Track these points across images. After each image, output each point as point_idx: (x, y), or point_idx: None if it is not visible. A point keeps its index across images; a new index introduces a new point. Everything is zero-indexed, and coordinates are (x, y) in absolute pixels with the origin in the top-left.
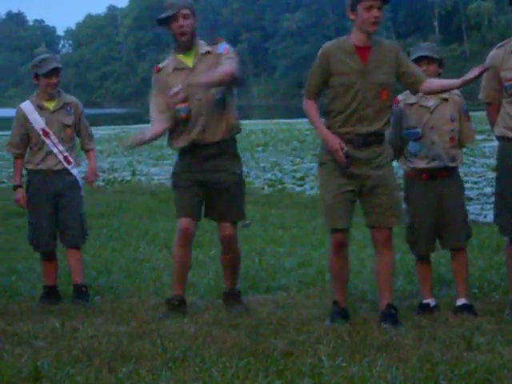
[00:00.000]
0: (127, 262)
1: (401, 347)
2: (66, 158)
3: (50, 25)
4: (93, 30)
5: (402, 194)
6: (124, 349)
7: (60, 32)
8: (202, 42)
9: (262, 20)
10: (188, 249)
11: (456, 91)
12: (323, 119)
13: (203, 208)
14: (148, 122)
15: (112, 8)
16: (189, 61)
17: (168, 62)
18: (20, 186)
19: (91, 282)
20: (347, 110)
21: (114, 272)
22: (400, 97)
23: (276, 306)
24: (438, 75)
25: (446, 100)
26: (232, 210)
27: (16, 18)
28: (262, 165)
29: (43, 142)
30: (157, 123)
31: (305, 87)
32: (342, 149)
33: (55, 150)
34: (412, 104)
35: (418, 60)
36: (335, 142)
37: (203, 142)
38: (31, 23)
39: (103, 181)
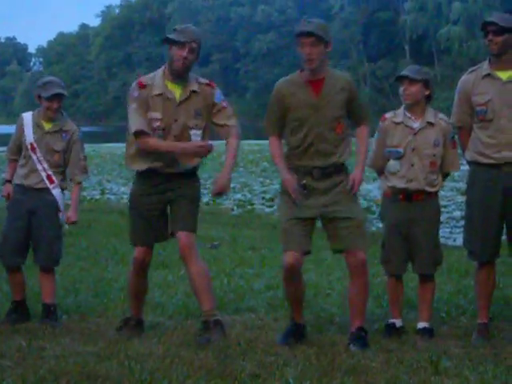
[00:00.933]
0: (95, 282)
1: (368, 370)
2: (49, 176)
3: (22, 42)
4: (64, 48)
5: (366, 218)
6: (91, 369)
7: (32, 49)
8: (191, 75)
9: (234, 41)
10: (144, 277)
11: (443, 117)
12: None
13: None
14: (120, 140)
15: (84, 26)
16: (177, 92)
17: (154, 83)
18: (9, 182)
19: (59, 301)
20: (303, 144)
21: (82, 291)
22: (387, 115)
23: (244, 327)
24: (427, 97)
25: (432, 124)
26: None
27: None
28: (231, 185)
29: (30, 157)
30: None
31: (265, 125)
32: (302, 184)
33: (39, 167)
34: (398, 123)
35: (399, 80)
36: (290, 184)
37: (166, 172)
38: (2, 40)
39: None
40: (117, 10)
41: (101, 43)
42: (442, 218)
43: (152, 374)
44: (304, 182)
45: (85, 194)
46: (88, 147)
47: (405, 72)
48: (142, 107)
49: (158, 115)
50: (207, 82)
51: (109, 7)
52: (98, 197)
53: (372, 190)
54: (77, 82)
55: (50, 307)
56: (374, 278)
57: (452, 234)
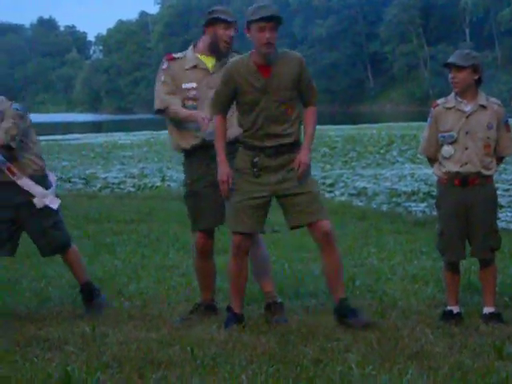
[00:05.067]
0: (157, 268)
1: (431, 355)
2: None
3: (81, 30)
4: (124, 35)
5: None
6: (154, 355)
7: (91, 38)
8: (233, 55)
9: (292, 26)
10: (209, 261)
11: (496, 100)
12: None
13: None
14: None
15: (143, 14)
16: (209, 63)
17: (185, 57)
18: None
19: (121, 288)
20: (254, 127)
21: (144, 278)
22: (439, 101)
23: (305, 312)
24: (477, 81)
25: (485, 107)
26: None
27: (47, 24)
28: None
29: None
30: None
31: (211, 104)
32: (255, 162)
33: None
34: (450, 108)
35: (447, 67)
36: (224, 173)
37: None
38: (62, 29)
39: (133, 186)
40: None
41: (160, 30)
42: (504, 201)
43: (214, 359)
44: (256, 159)
45: (146, 181)
46: (148, 134)
47: (452, 59)
48: (169, 79)
49: (193, 85)
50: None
51: None
52: (158, 184)
53: (431, 174)
54: (136, 69)
55: (86, 286)
56: (435, 262)
57: None
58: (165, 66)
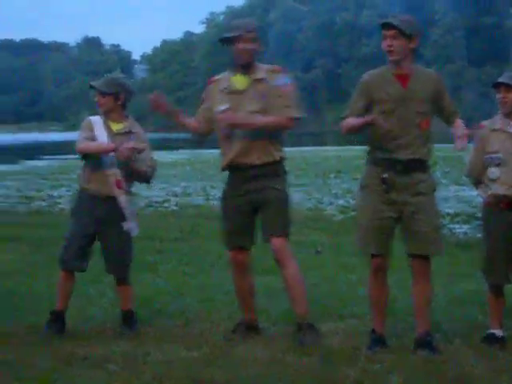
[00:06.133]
0: (199, 287)
1: (473, 379)
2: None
3: (126, 49)
4: (168, 55)
5: (440, 222)
6: (195, 374)
7: (135, 57)
8: (262, 65)
9: (337, 46)
10: (246, 279)
11: None
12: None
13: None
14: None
15: (188, 34)
16: (241, 83)
17: (222, 79)
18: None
19: (163, 307)
20: (387, 137)
21: (186, 297)
22: (485, 122)
23: (348, 334)
24: None
25: None
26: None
27: (92, 43)
28: (334, 191)
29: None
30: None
31: (346, 110)
32: (383, 178)
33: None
34: (496, 129)
35: (496, 87)
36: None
37: (243, 165)
38: (107, 47)
39: (176, 205)
40: (221, 17)
41: (205, 50)
42: None
43: (257, 379)
44: (385, 175)
45: (189, 199)
46: (190, 153)
47: (501, 79)
48: (205, 101)
49: (224, 106)
50: (274, 68)
51: (213, 14)
52: (201, 202)
53: (476, 196)
54: (180, 88)
55: (127, 313)
56: (479, 285)
57: None
58: (205, 89)
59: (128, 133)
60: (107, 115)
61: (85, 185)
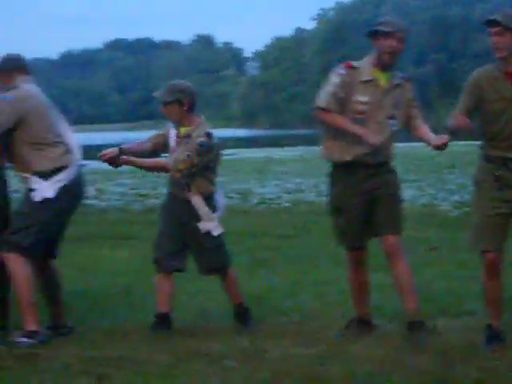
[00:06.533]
0: (314, 284)
1: None
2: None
3: (238, 47)
4: (279, 52)
5: None
6: (312, 371)
7: (246, 54)
8: (396, 72)
9: (450, 41)
10: (360, 276)
11: None
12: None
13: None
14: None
15: (299, 30)
16: (382, 79)
17: (363, 68)
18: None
19: (278, 304)
20: (499, 137)
21: (301, 293)
22: None
23: (465, 331)
24: None
25: None
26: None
27: (204, 41)
28: (448, 187)
29: None
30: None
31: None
32: (496, 176)
33: None
34: None
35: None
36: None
37: (364, 163)
38: (219, 45)
39: (289, 201)
40: (331, 13)
41: (316, 46)
42: None
43: (372, 377)
44: (499, 172)
45: (302, 196)
46: (303, 150)
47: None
48: (342, 85)
49: (365, 99)
50: (405, 76)
51: (324, 10)
52: (314, 199)
53: None
54: (292, 85)
55: (238, 308)
56: None
57: None
58: (342, 71)
59: (186, 137)
60: (177, 122)
61: (169, 187)
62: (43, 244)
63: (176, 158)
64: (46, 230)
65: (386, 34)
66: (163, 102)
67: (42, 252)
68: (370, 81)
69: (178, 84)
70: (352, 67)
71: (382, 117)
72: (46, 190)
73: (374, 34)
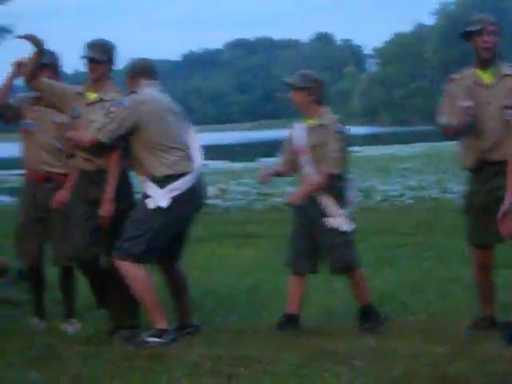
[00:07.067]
0: (440, 282)
1: None
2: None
3: (357, 44)
4: (399, 48)
5: None
6: (440, 370)
7: (366, 51)
8: (503, 63)
9: None
10: (488, 276)
11: None
12: None
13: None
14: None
15: (419, 26)
16: (487, 78)
17: (465, 75)
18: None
19: (405, 301)
20: None
21: (428, 291)
22: None
23: None
24: None
25: None
26: None
27: (324, 39)
28: None
29: None
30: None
31: None
32: None
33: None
34: None
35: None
36: None
37: (490, 160)
38: (339, 43)
39: (412, 198)
40: (451, 6)
41: (436, 42)
42: None
43: (503, 376)
44: None
45: (425, 193)
46: (426, 146)
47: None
48: (449, 98)
49: (470, 103)
50: None
51: (444, 4)
52: (437, 196)
53: None
54: (413, 81)
55: (363, 308)
56: None
57: None
58: (446, 88)
59: (319, 127)
60: (303, 110)
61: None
62: (157, 251)
63: (329, 156)
64: (159, 238)
65: (478, 32)
66: (294, 88)
67: (158, 257)
68: (471, 85)
69: (311, 73)
70: (454, 80)
71: (495, 111)
72: (160, 198)
73: (468, 36)
